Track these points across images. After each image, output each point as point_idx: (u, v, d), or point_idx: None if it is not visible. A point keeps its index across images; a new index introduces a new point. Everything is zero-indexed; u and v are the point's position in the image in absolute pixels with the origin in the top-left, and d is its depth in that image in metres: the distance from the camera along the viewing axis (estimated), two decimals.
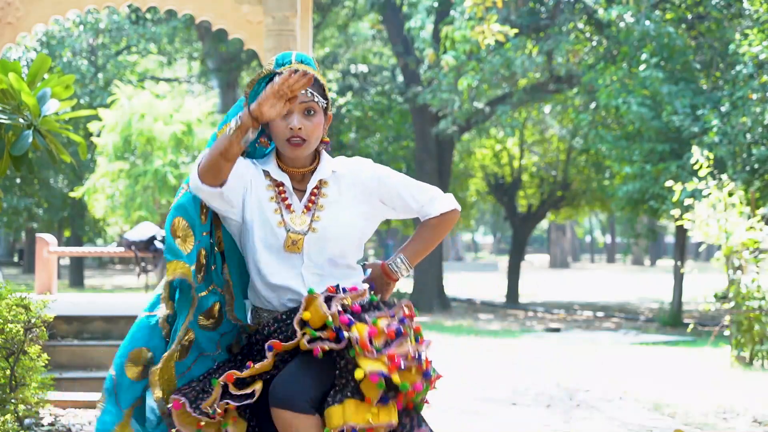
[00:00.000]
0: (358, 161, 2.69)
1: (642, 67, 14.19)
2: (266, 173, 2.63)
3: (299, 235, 2.57)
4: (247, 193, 2.60)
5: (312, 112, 2.57)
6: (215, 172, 2.49)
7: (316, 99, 2.57)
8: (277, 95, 2.43)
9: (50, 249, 10.28)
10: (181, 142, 17.25)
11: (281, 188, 2.62)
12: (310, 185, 2.62)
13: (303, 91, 2.54)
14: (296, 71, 2.46)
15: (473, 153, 24.61)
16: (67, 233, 26.67)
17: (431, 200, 2.70)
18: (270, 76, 2.60)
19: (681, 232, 16.10)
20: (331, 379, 2.42)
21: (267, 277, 2.59)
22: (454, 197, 2.83)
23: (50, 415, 4.58)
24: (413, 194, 2.69)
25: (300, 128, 2.54)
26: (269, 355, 2.44)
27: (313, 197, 2.62)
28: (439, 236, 2.74)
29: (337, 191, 2.64)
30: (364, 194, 2.66)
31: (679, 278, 16.73)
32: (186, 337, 2.57)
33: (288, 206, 2.60)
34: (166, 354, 2.54)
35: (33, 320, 4.15)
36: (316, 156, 2.67)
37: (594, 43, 16.70)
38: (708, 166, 11.12)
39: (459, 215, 2.76)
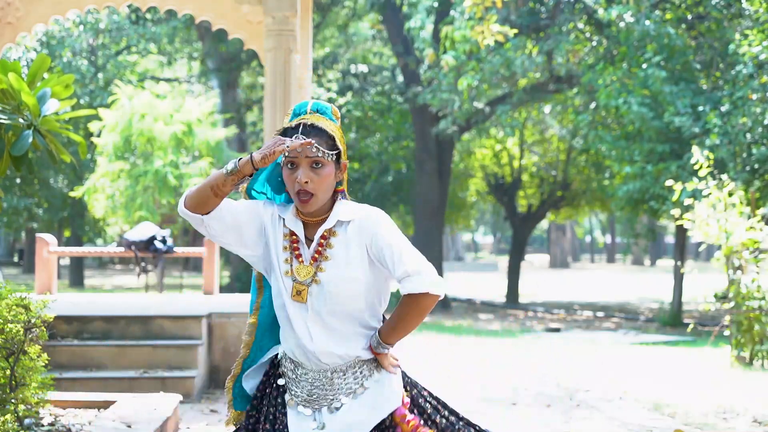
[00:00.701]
0: (366, 211, 2.64)
1: (644, 66, 14.20)
2: (282, 220, 2.67)
3: (303, 285, 2.60)
4: (268, 235, 2.66)
5: (319, 165, 2.57)
6: (200, 202, 2.56)
7: (320, 153, 2.56)
8: (276, 155, 2.51)
9: (50, 249, 10.28)
10: (181, 142, 17.25)
11: (294, 237, 2.64)
12: (317, 235, 2.62)
13: (307, 147, 2.55)
14: (300, 138, 2.55)
15: (473, 153, 24.62)
16: (67, 233, 26.68)
17: (409, 276, 2.54)
18: (282, 132, 2.63)
19: (681, 232, 16.10)
20: None
21: (280, 319, 2.67)
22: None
23: (50, 415, 4.57)
24: (395, 262, 2.55)
25: (306, 182, 2.56)
26: None
27: (320, 248, 2.62)
28: (411, 318, 2.60)
29: (344, 241, 2.62)
30: (364, 247, 2.61)
31: (679, 278, 16.74)
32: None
33: (298, 256, 2.62)
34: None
35: (33, 320, 4.15)
36: (332, 204, 2.66)
37: (594, 43, 16.70)
38: (708, 166, 11.13)
39: (435, 301, 2.57)
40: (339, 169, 2.63)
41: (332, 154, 2.58)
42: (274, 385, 2.68)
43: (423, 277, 2.54)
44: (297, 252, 2.62)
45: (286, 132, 2.60)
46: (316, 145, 2.55)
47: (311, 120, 2.59)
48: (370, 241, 2.59)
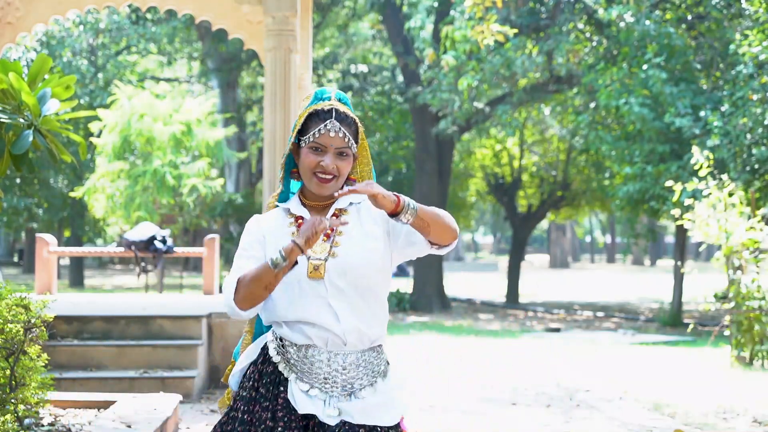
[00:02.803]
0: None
1: (644, 67, 14.20)
2: (287, 211, 2.69)
3: (320, 261, 2.59)
4: (266, 244, 2.64)
5: (344, 155, 2.63)
6: (255, 301, 2.55)
7: (349, 144, 2.62)
8: (319, 235, 2.51)
9: (50, 249, 10.29)
10: (180, 142, 17.26)
11: (300, 221, 2.66)
12: (330, 213, 2.66)
13: (342, 134, 2.60)
14: (337, 217, 2.62)
15: (473, 153, 24.62)
16: (67, 233, 26.68)
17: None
18: (313, 112, 2.63)
19: (681, 232, 16.10)
20: None
21: (297, 306, 2.58)
22: (453, 216, 2.78)
23: (50, 415, 4.57)
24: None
25: (333, 167, 2.61)
26: None
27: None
28: (439, 220, 2.60)
29: (357, 219, 2.66)
30: (378, 223, 2.66)
31: (679, 278, 16.73)
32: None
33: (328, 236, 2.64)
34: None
35: (33, 320, 4.15)
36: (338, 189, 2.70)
37: (594, 43, 16.69)
38: (708, 167, 11.13)
39: (456, 236, 2.66)
40: (354, 159, 2.68)
41: (355, 146, 2.65)
42: (268, 369, 2.61)
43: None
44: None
45: (318, 114, 2.62)
46: (348, 136, 2.61)
47: (341, 108, 2.64)
48: (385, 218, 2.64)
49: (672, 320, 16.39)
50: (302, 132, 2.64)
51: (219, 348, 7.67)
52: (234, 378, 2.69)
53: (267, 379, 2.60)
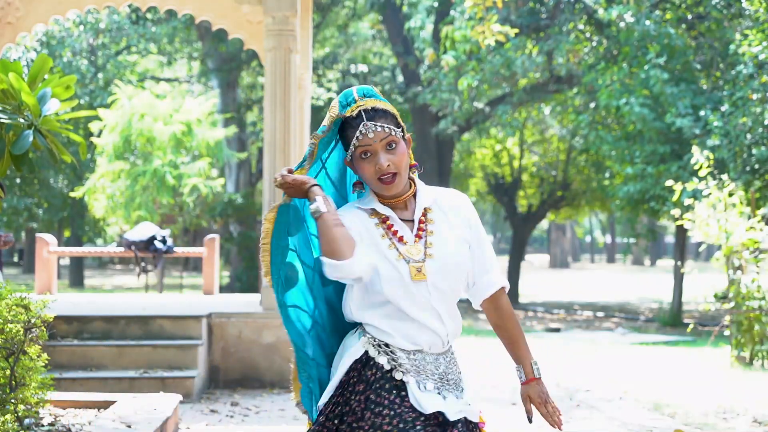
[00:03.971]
0: (457, 193, 2.69)
1: (645, 67, 14.20)
2: (373, 211, 2.61)
3: (419, 263, 2.54)
4: (362, 234, 2.57)
5: (393, 145, 2.55)
6: (342, 245, 2.51)
7: (392, 132, 2.55)
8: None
9: (50, 249, 10.29)
10: (180, 142, 17.25)
11: (388, 222, 2.59)
12: (417, 214, 2.60)
13: (379, 128, 2.53)
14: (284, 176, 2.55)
15: (473, 153, 24.61)
16: (67, 233, 26.67)
17: (496, 269, 2.64)
18: (345, 122, 2.58)
19: (681, 232, 16.10)
20: None
21: (405, 310, 2.53)
22: None
23: (50, 415, 4.57)
24: (486, 252, 2.64)
25: (388, 165, 2.53)
26: None
27: (422, 224, 2.59)
28: (514, 326, 2.65)
29: (443, 218, 2.61)
30: (463, 227, 2.62)
31: (679, 278, 16.73)
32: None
33: (400, 238, 2.57)
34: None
35: (33, 320, 4.15)
36: (410, 183, 2.64)
37: (594, 43, 16.69)
38: (708, 167, 11.13)
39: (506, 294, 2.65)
40: (407, 144, 2.60)
41: (400, 131, 2.57)
42: (376, 375, 2.52)
43: (499, 272, 2.65)
44: (398, 235, 2.57)
45: (348, 121, 2.56)
46: (386, 125, 2.54)
47: (369, 104, 2.56)
48: (470, 223, 2.63)
49: (672, 320, 16.38)
50: (346, 145, 2.58)
51: (219, 348, 7.67)
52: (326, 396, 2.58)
53: (377, 385, 2.50)
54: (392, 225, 2.57)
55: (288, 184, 2.52)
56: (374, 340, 2.53)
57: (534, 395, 2.66)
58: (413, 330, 2.52)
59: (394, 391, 2.48)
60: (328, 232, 2.46)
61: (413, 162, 2.62)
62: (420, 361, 2.53)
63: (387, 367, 2.50)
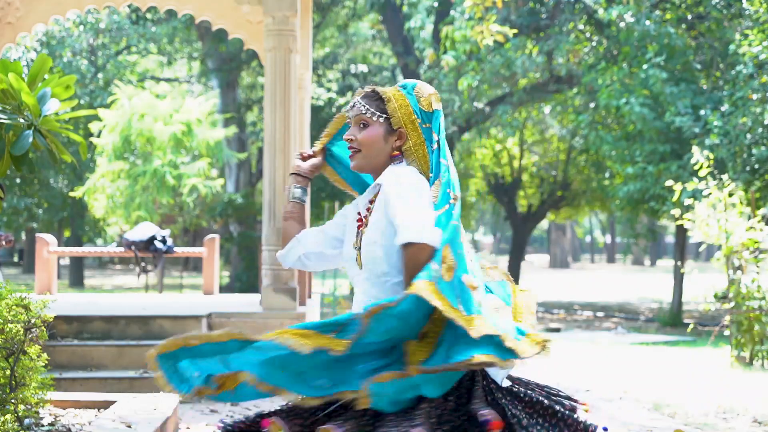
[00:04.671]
0: (389, 172, 2.60)
1: (644, 66, 14.19)
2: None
3: (357, 251, 2.65)
4: (347, 220, 2.77)
5: (363, 125, 2.66)
6: (284, 242, 2.93)
7: (366, 112, 2.64)
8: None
9: (50, 249, 10.28)
10: (180, 142, 17.25)
11: (368, 207, 2.69)
12: (363, 201, 2.71)
13: (357, 106, 2.66)
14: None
15: (473, 153, 24.61)
16: (67, 233, 26.67)
17: (402, 226, 2.43)
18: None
19: (681, 232, 16.10)
20: None
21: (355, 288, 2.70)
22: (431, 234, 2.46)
23: (50, 415, 4.57)
24: (397, 213, 2.47)
25: (351, 139, 2.66)
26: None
27: (367, 212, 2.67)
28: (407, 276, 2.45)
29: (378, 204, 2.61)
30: (381, 209, 2.59)
31: (679, 278, 16.73)
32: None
33: (362, 224, 2.69)
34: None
35: (33, 320, 4.15)
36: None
37: (594, 43, 16.69)
38: (708, 167, 11.12)
39: (423, 252, 2.39)
40: (393, 134, 2.63)
41: (378, 115, 2.63)
42: None
43: (414, 228, 2.41)
44: (366, 221, 2.67)
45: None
46: (364, 105, 2.64)
47: (378, 88, 2.69)
48: (385, 200, 2.55)
49: (672, 320, 16.38)
50: None
51: None
52: None
53: None
54: (369, 210, 2.66)
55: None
56: None
57: None
58: (356, 306, 2.63)
59: None
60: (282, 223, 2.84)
61: (396, 153, 2.63)
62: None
63: None
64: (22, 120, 4.03)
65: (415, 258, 2.39)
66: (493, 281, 2.77)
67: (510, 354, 2.31)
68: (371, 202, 2.65)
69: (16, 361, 4.10)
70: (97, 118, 17.68)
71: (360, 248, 2.61)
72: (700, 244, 15.81)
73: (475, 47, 14.70)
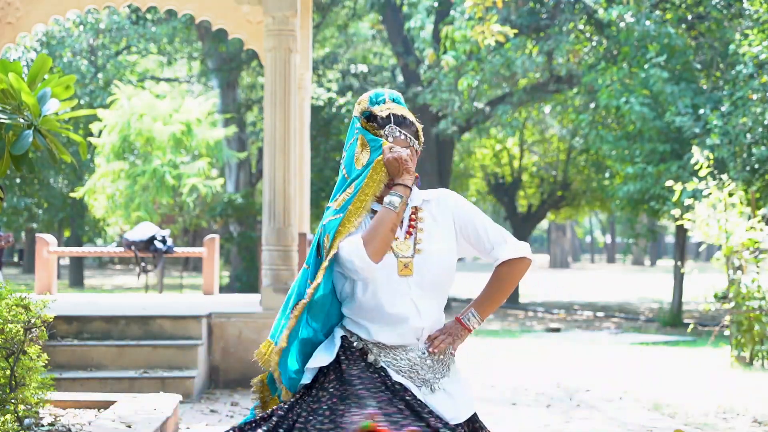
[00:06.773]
0: (443, 190, 2.83)
1: (645, 66, 14.19)
2: (375, 212, 2.75)
3: (408, 258, 2.68)
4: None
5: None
6: (386, 248, 2.67)
7: (411, 143, 2.76)
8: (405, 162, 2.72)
9: (50, 249, 10.28)
10: (180, 142, 17.25)
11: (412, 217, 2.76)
12: (407, 213, 2.75)
13: (402, 136, 2.74)
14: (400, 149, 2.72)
15: (473, 153, 24.61)
16: (67, 233, 26.67)
17: (503, 242, 2.74)
18: (366, 114, 2.77)
19: (681, 232, 16.09)
20: None
21: (384, 307, 2.65)
22: None
23: (50, 415, 4.57)
24: (488, 231, 2.74)
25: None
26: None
27: (412, 222, 2.73)
28: (508, 288, 2.77)
29: (431, 216, 2.75)
30: (449, 221, 2.76)
31: (679, 278, 16.73)
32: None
33: (410, 234, 2.74)
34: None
35: (33, 320, 4.15)
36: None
37: (594, 43, 16.69)
38: (708, 167, 11.12)
39: (529, 265, 2.77)
40: (416, 155, 2.79)
41: (417, 144, 2.77)
42: (360, 364, 2.64)
43: (517, 244, 2.75)
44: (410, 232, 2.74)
45: (374, 118, 2.75)
46: (408, 135, 2.75)
47: (398, 110, 2.77)
48: (459, 213, 2.75)
49: (672, 320, 16.38)
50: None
51: (219, 348, 7.67)
52: (307, 374, 2.67)
53: (356, 368, 2.63)
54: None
55: (403, 161, 2.67)
56: (350, 333, 2.68)
57: (444, 329, 2.74)
58: (387, 326, 2.64)
59: (363, 364, 2.63)
60: (382, 230, 2.63)
61: (416, 174, 2.79)
62: (393, 357, 2.65)
63: (370, 359, 2.65)
64: (22, 120, 4.03)
65: (522, 272, 2.76)
66: None
67: None
68: (413, 213, 2.74)
69: (16, 361, 4.10)
70: (96, 118, 17.68)
71: (413, 254, 2.67)
72: (700, 244, 15.81)
73: (475, 47, 14.70)
